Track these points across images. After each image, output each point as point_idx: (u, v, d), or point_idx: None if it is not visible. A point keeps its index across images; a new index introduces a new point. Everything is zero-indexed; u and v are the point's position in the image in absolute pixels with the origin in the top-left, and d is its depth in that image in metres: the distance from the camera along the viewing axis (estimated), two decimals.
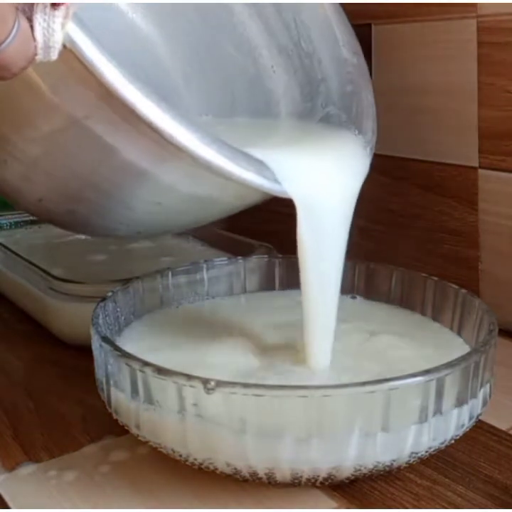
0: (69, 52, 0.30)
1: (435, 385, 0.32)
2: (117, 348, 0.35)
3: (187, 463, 0.34)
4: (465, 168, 0.55)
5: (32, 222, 0.71)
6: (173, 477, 0.37)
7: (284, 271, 0.49)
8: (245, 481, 0.34)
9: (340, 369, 0.39)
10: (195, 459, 0.34)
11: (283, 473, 0.33)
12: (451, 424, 0.34)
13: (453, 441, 0.35)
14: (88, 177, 0.38)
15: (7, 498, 0.36)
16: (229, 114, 0.51)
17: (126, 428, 0.36)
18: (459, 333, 0.43)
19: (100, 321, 0.39)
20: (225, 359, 0.39)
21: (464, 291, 0.43)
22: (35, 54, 0.28)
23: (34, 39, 0.28)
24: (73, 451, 0.39)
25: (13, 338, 0.55)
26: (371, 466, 0.33)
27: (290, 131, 0.49)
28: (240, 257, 0.51)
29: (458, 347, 0.41)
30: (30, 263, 0.56)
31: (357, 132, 0.44)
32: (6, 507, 0.35)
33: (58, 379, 0.48)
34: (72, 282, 0.51)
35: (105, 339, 0.36)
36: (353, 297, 0.48)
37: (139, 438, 0.36)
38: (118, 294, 0.43)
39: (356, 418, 0.32)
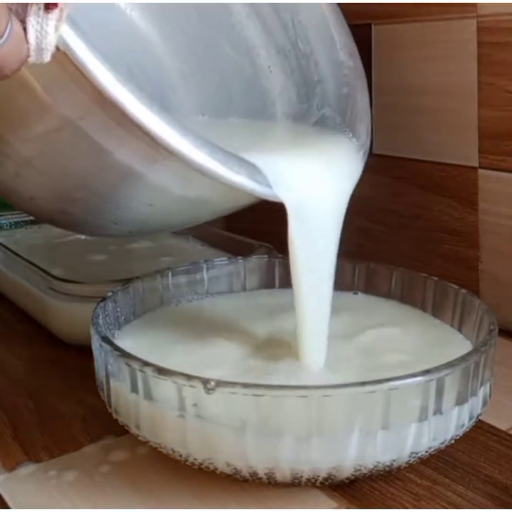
0: (62, 54, 0.30)
1: (435, 385, 0.32)
2: (117, 348, 0.35)
3: (187, 463, 0.34)
4: (465, 168, 0.55)
5: (32, 222, 0.71)
6: (173, 477, 0.37)
7: (284, 271, 0.49)
8: (245, 481, 0.34)
9: (334, 367, 0.39)
10: (195, 459, 0.34)
11: (283, 473, 0.33)
12: (451, 424, 0.34)
13: (453, 441, 0.35)
14: (80, 177, 0.38)
15: (7, 498, 0.36)
16: (225, 113, 0.51)
17: (126, 428, 0.36)
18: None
19: (100, 321, 0.39)
20: (220, 356, 0.40)
21: (464, 291, 0.43)
22: (28, 56, 0.28)
23: (27, 41, 0.28)
24: (73, 451, 0.39)
25: (13, 338, 0.55)
26: (371, 466, 0.33)
27: (284, 134, 0.49)
28: (239, 257, 0.51)
29: (459, 343, 0.41)
30: (30, 263, 0.56)
31: (351, 135, 0.44)
32: (6, 507, 0.35)
33: (58, 379, 0.48)
34: (72, 282, 0.51)
35: (105, 339, 0.36)
36: (355, 293, 0.48)
37: (139, 438, 0.36)
38: (118, 294, 0.43)
39: (356, 418, 0.32)
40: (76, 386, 0.46)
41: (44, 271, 0.54)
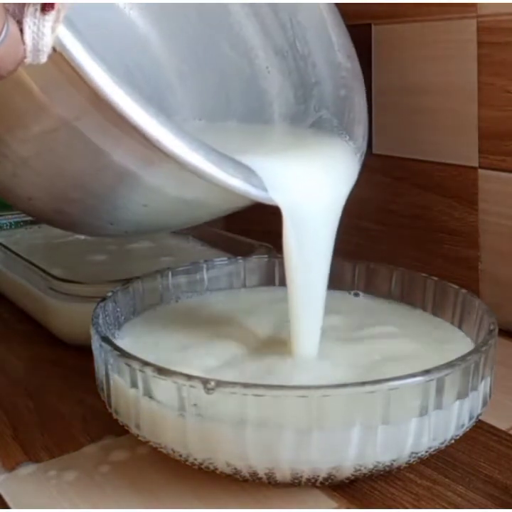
0: (59, 55, 0.30)
1: (435, 385, 0.32)
2: (117, 348, 0.35)
3: (187, 463, 0.34)
4: (465, 168, 0.55)
5: (32, 222, 0.71)
6: (173, 477, 0.37)
7: (284, 270, 0.49)
8: (245, 481, 0.34)
9: (326, 361, 0.39)
10: (195, 459, 0.34)
11: (283, 473, 0.33)
12: (451, 424, 0.34)
13: (453, 441, 0.35)
14: (77, 177, 0.38)
15: (7, 498, 0.36)
16: (223, 114, 0.51)
17: (126, 428, 0.36)
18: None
19: (100, 321, 0.39)
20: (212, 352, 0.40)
21: (464, 291, 0.43)
22: (24, 57, 0.28)
23: (23, 42, 0.28)
24: (73, 451, 0.39)
25: (13, 338, 0.55)
26: (371, 466, 0.33)
27: (281, 137, 0.49)
28: (239, 257, 0.51)
29: (459, 341, 0.41)
30: (30, 263, 0.56)
31: (348, 138, 0.44)
32: (6, 507, 0.35)
33: (58, 379, 0.48)
34: (72, 282, 0.51)
35: (105, 339, 0.36)
36: (356, 295, 0.48)
37: (139, 438, 0.36)
38: (118, 294, 0.43)
39: (356, 418, 0.32)
40: (76, 386, 0.46)
41: (44, 271, 0.54)
